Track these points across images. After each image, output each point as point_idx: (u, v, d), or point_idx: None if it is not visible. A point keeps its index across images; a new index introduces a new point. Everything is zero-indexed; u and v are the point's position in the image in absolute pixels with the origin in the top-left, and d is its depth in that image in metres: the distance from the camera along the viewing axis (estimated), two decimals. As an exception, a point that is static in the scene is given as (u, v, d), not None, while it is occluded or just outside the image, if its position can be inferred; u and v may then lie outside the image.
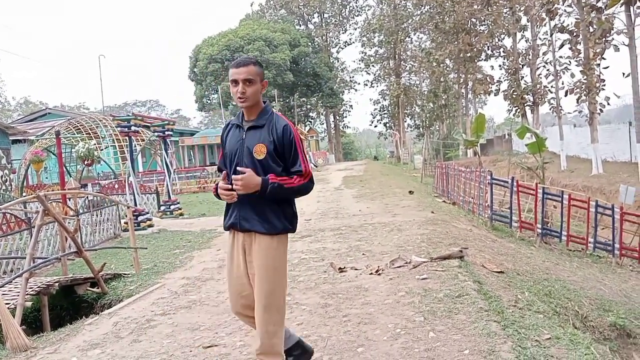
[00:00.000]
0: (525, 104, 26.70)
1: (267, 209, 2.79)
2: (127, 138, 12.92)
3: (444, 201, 14.72)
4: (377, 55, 49.05)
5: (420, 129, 41.31)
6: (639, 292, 7.87)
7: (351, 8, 54.32)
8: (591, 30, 18.51)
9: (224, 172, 2.88)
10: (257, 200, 2.76)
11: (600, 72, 19.28)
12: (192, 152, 37.43)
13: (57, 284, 5.68)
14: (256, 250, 2.81)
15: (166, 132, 14.44)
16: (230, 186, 2.76)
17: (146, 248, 8.65)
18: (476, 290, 4.64)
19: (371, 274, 5.52)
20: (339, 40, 55.48)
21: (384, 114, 50.71)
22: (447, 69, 37.99)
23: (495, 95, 30.91)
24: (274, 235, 2.82)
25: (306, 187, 2.85)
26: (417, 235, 7.62)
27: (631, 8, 16.19)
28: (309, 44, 50.05)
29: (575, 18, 19.88)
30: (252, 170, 2.74)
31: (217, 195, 2.92)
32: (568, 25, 20.82)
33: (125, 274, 6.78)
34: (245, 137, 2.86)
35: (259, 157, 2.79)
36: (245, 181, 2.70)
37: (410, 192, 15.41)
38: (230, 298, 2.98)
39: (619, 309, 5.91)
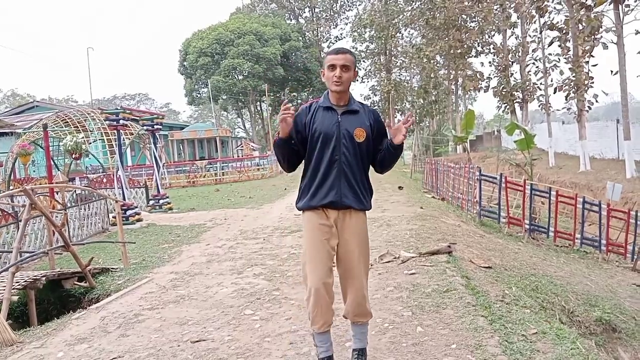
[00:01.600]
0: (515, 101, 26.81)
1: (361, 188, 3.04)
2: (115, 132, 12.81)
3: (433, 197, 14.79)
4: (368, 51, 48.96)
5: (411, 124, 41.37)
6: (625, 288, 7.95)
7: (342, 3, 54.22)
8: (580, 27, 18.60)
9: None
10: (354, 177, 2.99)
11: (589, 70, 19.39)
12: (181, 146, 37.23)
13: (44, 278, 5.63)
14: (352, 225, 3.02)
15: (155, 126, 14.35)
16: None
17: (134, 242, 8.61)
18: (464, 285, 4.67)
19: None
20: (330, 35, 55.37)
21: (375, 109, 50.79)
22: (438, 65, 38.04)
23: (485, 91, 30.96)
24: (366, 211, 3.09)
25: (401, 152, 3.11)
26: (406, 231, 7.66)
27: (619, 6, 16.30)
28: (300, 38, 49.95)
29: (565, 16, 19.98)
30: (352, 152, 2.98)
31: (280, 140, 3.00)
32: (557, 22, 20.92)
33: (113, 269, 6.74)
34: (340, 120, 3.00)
35: (359, 140, 2.99)
36: (408, 126, 2.99)
37: (400, 188, 15.47)
38: (316, 272, 2.95)
39: (605, 304, 5.97)
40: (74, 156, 16.23)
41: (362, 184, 3.05)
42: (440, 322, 3.81)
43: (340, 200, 2.97)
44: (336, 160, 2.97)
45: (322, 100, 3.10)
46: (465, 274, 5.07)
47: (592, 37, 17.95)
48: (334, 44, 55.37)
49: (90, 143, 19.30)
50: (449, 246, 6.15)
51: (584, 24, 18.10)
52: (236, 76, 45.26)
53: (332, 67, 2.95)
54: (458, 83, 35.80)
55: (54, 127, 18.42)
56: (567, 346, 3.39)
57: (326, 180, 2.98)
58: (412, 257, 5.85)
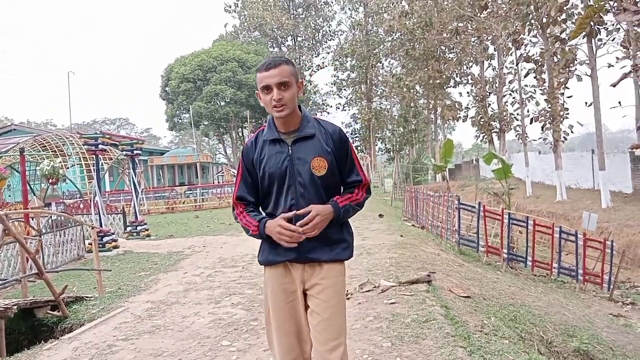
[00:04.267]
0: (492, 131, 27.32)
1: (334, 233, 2.42)
2: (94, 156, 12.68)
3: (413, 225, 14.84)
4: (349, 80, 49.67)
5: (391, 152, 41.72)
6: (602, 318, 8.03)
7: (324, 32, 55.13)
8: (555, 60, 19.15)
9: (290, 214, 2.33)
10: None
11: (564, 101, 19.91)
12: (161, 172, 36.95)
13: (15, 306, 5.47)
14: (324, 282, 2.40)
15: (135, 151, 14.25)
16: (294, 227, 2.28)
17: (110, 270, 8.44)
18: (443, 315, 4.66)
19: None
20: (312, 63, 56.05)
21: (356, 137, 51.15)
22: (417, 94, 38.66)
23: (463, 121, 31.59)
24: (342, 261, 2.49)
25: (366, 199, 2.51)
26: (386, 259, 7.65)
27: (592, 40, 16.85)
28: (282, 66, 50.35)
29: (540, 48, 20.56)
30: (311, 191, 2.37)
31: (260, 236, 2.41)
32: (533, 55, 21.52)
33: (87, 297, 6.59)
34: (292, 152, 2.38)
35: (320, 174, 2.37)
36: (319, 220, 2.28)
37: (380, 216, 15.51)
38: (281, 347, 2.43)
39: (583, 334, 6.00)
40: (50, 181, 15.96)
41: (333, 227, 2.39)
42: (419, 353, 3.79)
43: (303, 255, 2.39)
44: (293, 204, 2.37)
45: (267, 130, 2.45)
46: (444, 304, 5.07)
47: (567, 69, 18.48)
48: (316, 72, 56.07)
49: (68, 168, 19.03)
50: (429, 275, 6.15)
51: (558, 57, 18.65)
52: (218, 102, 45.38)
53: (267, 88, 2.31)
54: (437, 112, 36.38)
55: (31, 151, 18.14)
56: (545, 378, 3.38)
57: None
58: (392, 286, 5.83)
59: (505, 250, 10.50)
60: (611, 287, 10.59)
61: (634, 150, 17.39)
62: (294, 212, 2.32)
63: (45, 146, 18.78)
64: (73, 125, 46.51)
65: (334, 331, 2.37)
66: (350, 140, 2.54)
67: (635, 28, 13.58)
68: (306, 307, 2.46)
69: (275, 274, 2.46)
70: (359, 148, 52.22)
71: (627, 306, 9.81)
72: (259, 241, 2.52)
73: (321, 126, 2.45)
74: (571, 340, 5.66)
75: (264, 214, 2.51)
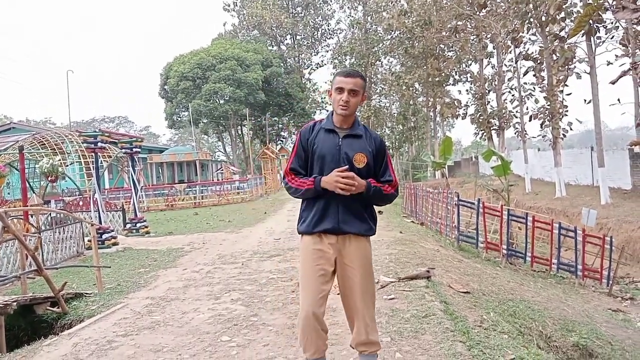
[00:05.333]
0: (491, 128, 27.34)
1: (365, 212, 2.96)
2: (93, 154, 12.67)
3: (412, 221, 14.86)
4: (349, 78, 49.58)
5: (390, 150, 41.74)
6: (601, 313, 8.04)
7: (323, 31, 54.99)
8: (554, 58, 19.16)
9: (344, 167, 2.84)
10: (355, 202, 2.89)
11: (563, 99, 19.92)
12: (160, 169, 36.92)
13: (15, 303, 5.47)
14: (352, 252, 2.92)
15: (134, 149, 14.23)
16: (349, 174, 2.79)
17: (109, 267, 8.45)
18: (442, 310, 4.67)
19: (339, 294, 5.49)
20: (311, 61, 55.95)
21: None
22: (416, 92, 38.66)
23: (462, 118, 31.61)
24: (369, 236, 3.01)
25: (393, 196, 3.01)
26: (385, 255, 7.65)
27: (591, 38, 16.85)
28: (281, 64, 50.37)
29: (539, 46, 20.58)
30: None
31: (299, 190, 2.92)
32: (532, 53, 21.54)
33: (87, 294, 6.59)
34: (341, 143, 2.92)
35: (359, 166, 2.89)
36: (355, 182, 2.79)
37: (380, 212, 15.52)
38: (306, 300, 2.88)
39: (582, 329, 6.01)
40: (50, 179, 15.96)
41: (363, 209, 2.96)
42: (418, 348, 3.80)
43: (338, 227, 2.90)
44: None
45: (326, 121, 3.02)
46: (443, 299, 5.07)
47: (566, 67, 18.50)
48: (315, 70, 56.05)
49: (67, 165, 19.00)
50: (428, 271, 6.16)
51: (557, 55, 18.66)
52: (217, 100, 45.32)
53: (340, 90, 2.88)
54: (436, 110, 36.41)
55: (30, 149, 18.14)
56: (544, 371, 3.39)
57: (325, 205, 2.90)
58: (392, 282, 5.84)
59: (505, 246, 10.52)
60: (610, 282, 10.61)
61: (633, 147, 17.41)
62: (347, 166, 2.83)
63: (44, 144, 18.78)
64: (72, 123, 46.46)
65: (369, 293, 2.95)
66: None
67: (634, 26, 13.59)
68: (333, 272, 2.96)
69: (311, 242, 2.94)
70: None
71: (626, 301, 9.84)
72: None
73: (368, 131, 3.03)
74: (570, 335, 5.68)
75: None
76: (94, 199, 12.46)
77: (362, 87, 2.90)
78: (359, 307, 2.92)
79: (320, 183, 2.84)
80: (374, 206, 3.06)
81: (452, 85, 34.64)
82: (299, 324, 2.91)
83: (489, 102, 28.16)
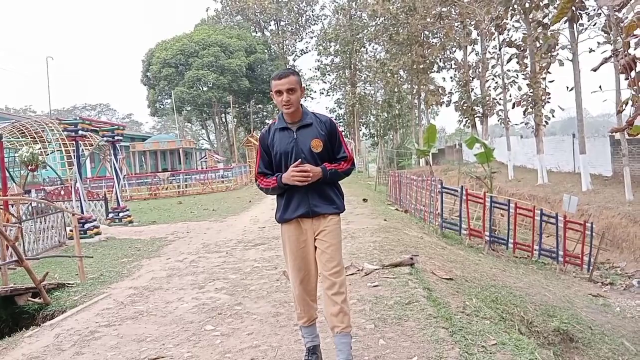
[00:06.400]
0: (475, 115, 27.47)
1: (331, 193, 3.30)
2: (74, 143, 12.49)
3: (396, 209, 14.93)
4: (333, 65, 49.42)
5: (375, 137, 41.70)
6: (581, 298, 8.18)
7: (307, 17, 54.59)
8: (537, 45, 19.24)
9: (297, 162, 3.15)
10: (320, 187, 3.23)
11: (546, 86, 20.04)
12: (143, 158, 36.55)
13: (-6, 294, 5.41)
14: (328, 228, 3.25)
15: (116, 137, 14.08)
16: (302, 167, 3.13)
17: (92, 257, 8.37)
18: (426, 297, 4.70)
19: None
20: (295, 48, 55.57)
21: (340, 122, 51.06)
22: (401, 79, 38.63)
23: (446, 106, 31.69)
24: (340, 213, 3.34)
25: (350, 170, 3.35)
26: (369, 243, 7.68)
27: (574, 25, 16.95)
28: (265, 51, 50.00)
29: (523, 33, 20.64)
30: (312, 164, 3.18)
31: (267, 189, 3.29)
32: (516, 40, 21.60)
33: (69, 284, 6.53)
34: (296, 136, 3.24)
35: (317, 150, 3.23)
36: (310, 172, 3.13)
37: (364, 200, 15.56)
38: (295, 279, 3.30)
39: (563, 314, 6.11)
40: (30, 168, 15.72)
41: (329, 189, 3.30)
42: (402, 334, 3.82)
43: (311, 210, 3.23)
44: None
45: (278, 121, 3.34)
46: (427, 286, 5.11)
47: (549, 54, 18.59)
48: (299, 57, 55.76)
49: (48, 154, 18.72)
50: (412, 258, 6.20)
51: (541, 42, 18.74)
52: (201, 87, 44.88)
53: (279, 92, 3.17)
54: (421, 97, 36.44)
55: (9, 138, 17.81)
56: (525, 357, 3.44)
57: (295, 193, 3.23)
58: (376, 269, 5.87)
59: (487, 233, 10.62)
60: (591, 268, 10.79)
61: (614, 134, 17.63)
62: (300, 160, 3.15)
63: (24, 132, 18.45)
64: (53, 111, 45.71)
65: (336, 261, 3.22)
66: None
67: (616, 13, 13.67)
68: (314, 250, 3.28)
69: (290, 228, 3.30)
70: (343, 133, 52.05)
71: (606, 286, 10.02)
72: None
73: (317, 117, 3.34)
74: (551, 320, 5.76)
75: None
76: (76, 188, 12.31)
77: (297, 83, 3.19)
78: (332, 279, 3.18)
79: (282, 180, 3.19)
80: (339, 182, 3.40)
81: (437, 72, 34.65)
82: (294, 299, 3.39)
83: (472, 89, 28.27)
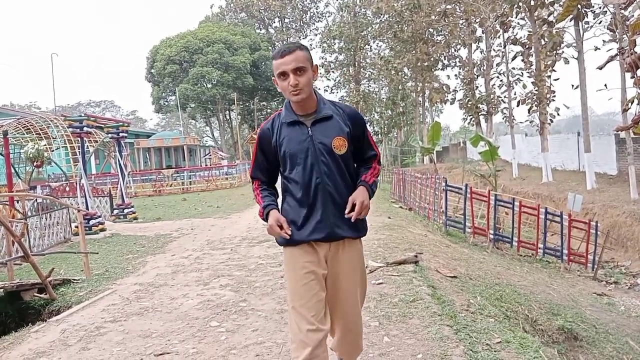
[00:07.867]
0: (480, 113, 27.41)
1: None
2: (79, 139, 12.53)
3: (400, 207, 14.92)
4: (337, 62, 49.33)
5: (379, 135, 41.65)
6: (586, 297, 8.17)
7: (312, 14, 54.50)
8: (542, 43, 19.17)
9: (286, 226, 2.43)
10: (342, 202, 2.43)
11: (551, 84, 19.97)
12: (147, 155, 36.65)
13: (1, 289, 5.45)
14: (347, 258, 2.52)
15: (120, 134, 14.12)
16: (357, 200, 2.40)
17: (97, 253, 8.40)
18: (430, 294, 4.71)
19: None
20: (299, 45, 55.45)
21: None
22: (405, 77, 38.56)
23: (451, 104, 31.65)
24: (361, 238, 2.62)
25: (380, 171, 2.66)
26: (374, 241, 7.69)
27: (580, 23, 16.87)
28: (270, 48, 49.96)
29: (528, 31, 20.56)
30: (334, 169, 2.43)
31: (264, 219, 2.56)
32: (521, 37, 21.52)
33: (75, 280, 6.56)
34: (311, 133, 2.43)
35: (340, 152, 2.43)
36: (363, 205, 2.40)
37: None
38: (307, 320, 2.39)
39: (567, 312, 6.11)
40: (35, 164, 15.77)
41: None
42: (406, 331, 3.83)
43: (333, 233, 2.44)
44: (318, 184, 2.42)
45: (285, 113, 2.49)
46: (431, 284, 5.12)
47: (554, 52, 18.51)
48: (303, 54, 55.48)
49: (53, 150, 18.77)
50: (416, 256, 6.21)
51: (546, 39, 18.66)
52: (205, 84, 44.93)
53: (283, 74, 2.36)
54: (425, 95, 36.37)
55: (15, 134, 17.87)
56: (530, 355, 3.45)
57: (311, 210, 2.43)
58: (380, 266, 5.88)
59: (492, 231, 10.61)
60: (595, 266, 10.77)
61: (619, 132, 17.56)
62: (290, 228, 2.42)
63: (29, 129, 18.49)
64: (57, 107, 45.81)
65: (360, 299, 2.62)
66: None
67: (622, 11, 13.60)
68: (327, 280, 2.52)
69: (298, 252, 2.48)
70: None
71: (610, 285, 10.00)
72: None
73: (337, 107, 2.53)
74: (555, 319, 5.76)
75: (273, 198, 2.59)
76: (81, 184, 12.36)
77: (306, 60, 2.37)
78: (350, 317, 2.58)
79: (268, 218, 2.49)
80: None
81: (441, 70, 34.63)
82: (294, 347, 2.46)
83: (477, 87, 28.21)
